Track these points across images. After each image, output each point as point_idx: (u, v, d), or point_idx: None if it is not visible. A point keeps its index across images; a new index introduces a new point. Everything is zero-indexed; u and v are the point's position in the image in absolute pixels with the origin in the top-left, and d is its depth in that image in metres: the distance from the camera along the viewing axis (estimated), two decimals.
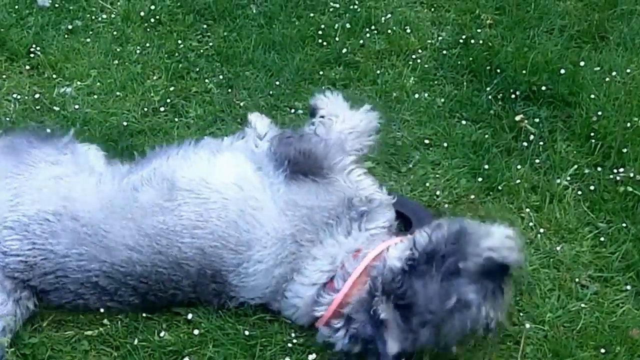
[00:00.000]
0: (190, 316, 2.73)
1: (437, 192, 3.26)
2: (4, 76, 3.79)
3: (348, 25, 4.15)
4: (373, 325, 2.49)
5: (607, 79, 3.80)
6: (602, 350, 2.68)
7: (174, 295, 2.69)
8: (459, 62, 3.95)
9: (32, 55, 3.89)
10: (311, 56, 3.96)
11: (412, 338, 2.46)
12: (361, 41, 4.08)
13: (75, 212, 2.67)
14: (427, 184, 3.31)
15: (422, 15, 4.34)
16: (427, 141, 3.52)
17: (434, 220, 2.68)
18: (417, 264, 2.50)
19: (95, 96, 3.69)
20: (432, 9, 4.38)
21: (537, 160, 3.40)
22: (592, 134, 3.48)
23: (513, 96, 3.70)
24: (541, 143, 3.48)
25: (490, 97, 3.72)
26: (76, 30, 4.08)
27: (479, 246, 2.48)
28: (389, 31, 4.14)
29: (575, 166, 3.36)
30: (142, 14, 4.17)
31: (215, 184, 2.72)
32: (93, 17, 4.17)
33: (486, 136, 3.52)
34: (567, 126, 3.59)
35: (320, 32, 4.09)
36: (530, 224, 3.14)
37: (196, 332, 2.69)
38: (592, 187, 3.27)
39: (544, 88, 3.71)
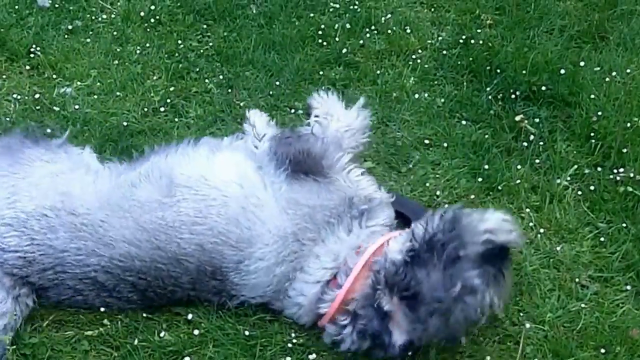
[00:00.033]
0: (190, 316, 2.73)
1: (437, 192, 3.26)
2: (4, 76, 3.79)
3: (348, 26, 4.15)
4: (378, 318, 2.50)
5: (607, 79, 3.80)
6: (602, 351, 2.69)
7: (173, 292, 2.70)
8: (459, 62, 3.95)
9: (32, 55, 3.88)
10: (311, 56, 3.96)
11: (421, 328, 2.47)
12: (361, 41, 4.08)
13: (73, 207, 2.68)
14: (427, 184, 3.31)
15: (422, 15, 4.33)
16: (427, 141, 3.52)
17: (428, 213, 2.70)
18: (418, 255, 2.52)
19: (95, 96, 3.69)
20: (432, 9, 4.37)
21: (537, 160, 3.40)
22: (592, 134, 3.48)
23: (513, 96, 3.70)
24: (541, 143, 3.48)
25: (490, 97, 3.72)
26: (76, 30, 4.07)
27: (477, 230, 2.50)
28: (389, 31, 4.14)
29: (575, 166, 3.36)
30: (142, 14, 4.17)
31: (214, 181, 2.74)
32: (93, 17, 4.17)
33: (486, 136, 3.52)
34: (567, 126, 3.59)
35: (320, 32, 4.08)
36: (530, 224, 3.14)
37: (196, 332, 2.69)
38: (592, 187, 3.27)
39: (544, 88, 3.71)
